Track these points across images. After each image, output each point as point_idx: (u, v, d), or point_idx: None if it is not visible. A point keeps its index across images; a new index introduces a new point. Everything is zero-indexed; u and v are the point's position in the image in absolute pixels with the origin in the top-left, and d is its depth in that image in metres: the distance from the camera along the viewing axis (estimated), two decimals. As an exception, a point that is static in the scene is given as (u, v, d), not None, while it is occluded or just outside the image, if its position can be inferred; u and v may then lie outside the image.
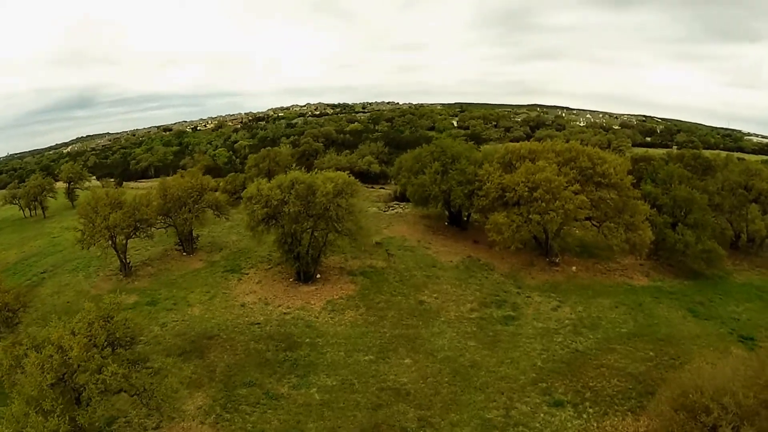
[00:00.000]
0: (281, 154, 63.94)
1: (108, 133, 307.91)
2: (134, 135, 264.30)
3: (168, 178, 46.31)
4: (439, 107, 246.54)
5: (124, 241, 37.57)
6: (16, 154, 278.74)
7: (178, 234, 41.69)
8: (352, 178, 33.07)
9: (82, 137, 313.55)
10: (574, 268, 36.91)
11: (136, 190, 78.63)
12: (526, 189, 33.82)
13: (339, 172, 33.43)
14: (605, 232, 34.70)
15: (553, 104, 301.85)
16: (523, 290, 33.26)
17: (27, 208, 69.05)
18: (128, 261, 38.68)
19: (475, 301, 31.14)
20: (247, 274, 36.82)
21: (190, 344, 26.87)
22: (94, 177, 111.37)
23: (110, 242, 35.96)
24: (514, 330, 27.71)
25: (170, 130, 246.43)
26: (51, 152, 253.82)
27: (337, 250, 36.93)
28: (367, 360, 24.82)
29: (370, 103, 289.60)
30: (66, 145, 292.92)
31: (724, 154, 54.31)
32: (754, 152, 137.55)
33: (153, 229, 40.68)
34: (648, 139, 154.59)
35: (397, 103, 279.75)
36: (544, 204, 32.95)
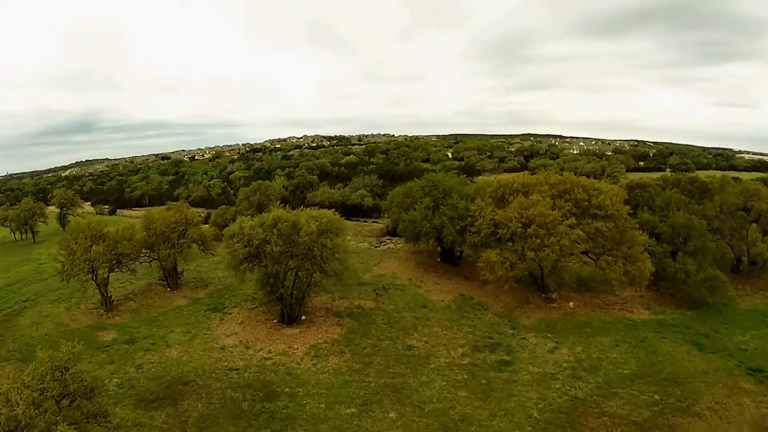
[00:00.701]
0: (272, 187, 63.20)
1: (107, 158, 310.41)
2: (132, 162, 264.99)
3: (153, 209, 45.02)
4: (434, 139, 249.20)
5: (106, 275, 36.31)
6: (15, 174, 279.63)
7: (162, 269, 40.38)
8: (338, 216, 31.97)
9: (81, 161, 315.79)
10: (571, 303, 35.47)
11: (129, 218, 78.13)
12: (520, 225, 32.77)
13: (323, 210, 32.35)
14: (603, 265, 33.46)
15: (546, 133, 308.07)
16: (518, 331, 31.71)
17: (18, 231, 68.06)
18: (110, 295, 37.29)
19: (467, 345, 29.52)
20: (231, 313, 35.27)
21: (164, 390, 25.27)
22: (89, 203, 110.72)
23: (90, 275, 34.73)
24: (509, 377, 26.04)
25: (168, 158, 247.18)
26: (49, 175, 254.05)
27: (326, 290, 35.50)
28: (349, 413, 23.03)
29: (366, 135, 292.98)
30: (65, 168, 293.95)
31: (719, 174, 53.36)
32: (746, 169, 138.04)
33: (137, 262, 39.54)
34: (641, 163, 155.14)
35: (393, 135, 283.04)
36: (538, 240, 31.83)
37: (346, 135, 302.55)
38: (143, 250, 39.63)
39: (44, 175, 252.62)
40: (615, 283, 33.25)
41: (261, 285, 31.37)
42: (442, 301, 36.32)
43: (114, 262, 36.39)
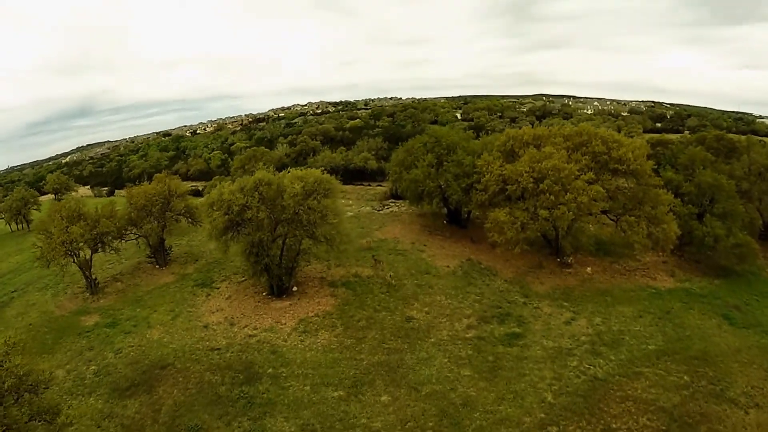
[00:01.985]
0: (268, 153, 59.66)
1: (108, 141, 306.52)
2: (133, 142, 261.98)
3: (135, 186, 42.24)
4: (442, 101, 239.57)
5: (88, 257, 33.98)
6: (16, 166, 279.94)
7: (149, 245, 37.89)
8: (327, 175, 28.56)
9: (81, 146, 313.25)
10: (589, 269, 32.09)
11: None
12: (531, 180, 28.98)
13: (311, 169, 28.89)
14: (624, 227, 29.87)
15: (559, 93, 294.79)
16: (531, 299, 28.48)
17: (13, 222, 66.35)
18: (94, 278, 34.98)
19: (473, 316, 26.41)
20: (218, 288, 32.77)
21: (140, 376, 23.23)
22: (88, 186, 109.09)
23: (71, 258, 32.43)
24: (519, 352, 22.95)
25: (169, 135, 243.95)
26: (50, 163, 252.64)
27: (318, 257, 32.60)
28: (336, 397, 20.31)
29: (372, 100, 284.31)
30: (65, 155, 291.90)
31: (743, 137, 48.57)
32: (767, 135, 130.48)
33: (122, 241, 37.16)
34: (658, 124, 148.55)
35: (400, 99, 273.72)
36: (552, 197, 28.14)
37: (352, 100, 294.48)
38: (129, 228, 37.17)
39: (45, 164, 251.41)
40: (638, 246, 29.75)
41: (245, 256, 28.45)
42: (447, 266, 33.11)
43: (96, 242, 33.96)
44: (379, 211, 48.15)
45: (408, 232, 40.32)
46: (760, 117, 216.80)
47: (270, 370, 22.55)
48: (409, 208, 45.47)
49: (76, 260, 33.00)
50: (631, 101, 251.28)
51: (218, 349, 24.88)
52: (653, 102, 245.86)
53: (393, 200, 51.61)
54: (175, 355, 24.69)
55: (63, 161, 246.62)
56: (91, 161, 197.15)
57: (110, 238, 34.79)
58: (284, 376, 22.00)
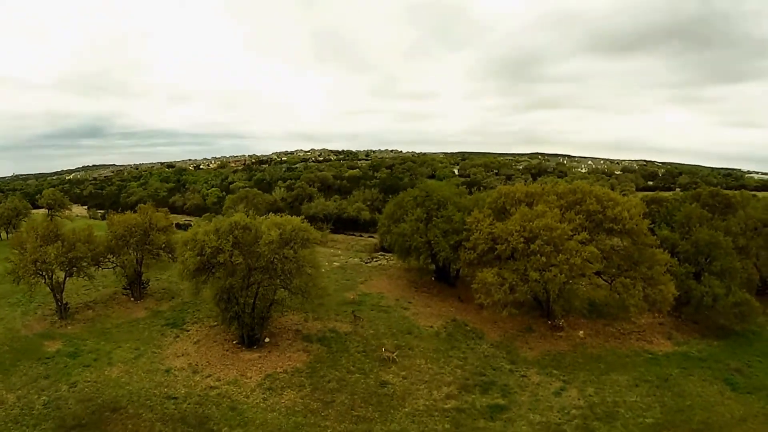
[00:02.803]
0: (261, 195, 59.08)
1: (114, 164, 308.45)
2: (137, 169, 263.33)
3: (117, 214, 41.15)
4: (441, 156, 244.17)
5: (61, 280, 32.86)
6: (21, 175, 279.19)
7: (126, 276, 36.40)
8: (306, 224, 27.52)
9: (87, 166, 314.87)
10: (581, 332, 30.68)
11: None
12: (522, 239, 28.01)
13: (291, 217, 27.91)
14: (619, 289, 28.72)
15: (554, 152, 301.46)
16: (518, 366, 26.74)
17: (3, 230, 64.92)
18: (65, 302, 33.82)
19: (454, 384, 24.56)
20: (188, 330, 31.05)
21: (89, 415, 21.52)
22: (85, 206, 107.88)
23: (42, 278, 31.57)
24: (502, 428, 21.01)
25: (173, 167, 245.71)
26: (54, 178, 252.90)
27: (293, 309, 31.03)
28: (292, 469, 18.26)
29: (373, 151, 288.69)
30: (70, 172, 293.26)
31: (737, 192, 48.56)
32: (757, 189, 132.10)
33: (99, 269, 35.87)
34: (650, 182, 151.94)
35: (400, 152, 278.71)
36: (544, 258, 27.09)
37: (354, 150, 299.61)
38: (108, 255, 35.94)
39: (49, 178, 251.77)
40: (633, 309, 28.48)
41: (215, 301, 26.96)
42: (431, 326, 31.50)
43: (71, 266, 32.68)
44: (367, 263, 46.94)
45: (393, 288, 38.93)
46: (749, 172, 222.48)
47: (225, 429, 20.51)
48: (398, 262, 44.28)
49: (47, 281, 32.06)
50: (624, 160, 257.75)
51: (175, 398, 22.93)
52: (645, 161, 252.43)
53: (382, 253, 50.51)
54: (129, 398, 22.90)
55: (67, 177, 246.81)
56: (93, 182, 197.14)
57: (85, 264, 33.60)
58: (239, 439, 19.96)
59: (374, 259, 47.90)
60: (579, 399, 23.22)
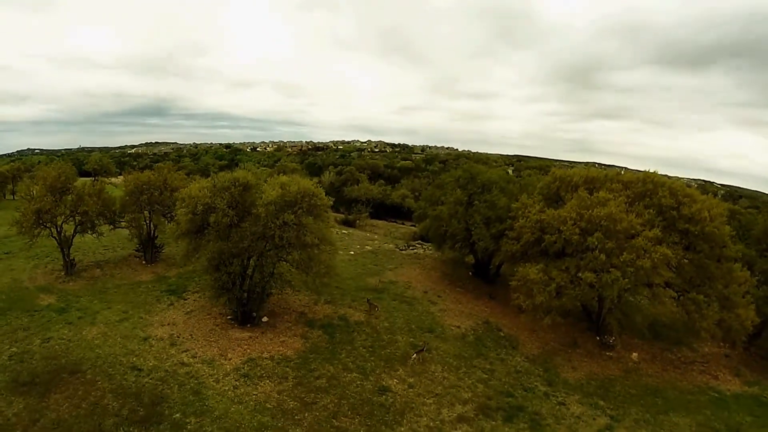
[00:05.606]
0: (297, 171, 56.00)
1: (175, 142, 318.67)
2: (196, 147, 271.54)
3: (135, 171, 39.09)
4: (496, 156, 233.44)
5: (70, 234, 31.07)
6: (87, 147, 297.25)
7: (138, 236, 34.32)
8: (319, 188, 23.33)
9: (149, 142, 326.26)
10: (635, 354, 24.70)
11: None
12: (578, 231, 22.14)
13: (301, 179, 23.82)
14: (690, 308, 22.44)
15: (611, 163, 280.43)
16: (556, 389, 21.09)
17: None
18: (72, 258, 32.03)
19: (472, 402, 19.32)
20: (186, 299, 28.09)
21: (46, 374, 19.10)
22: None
23: (48, 230, 29.64)
24: (524, 472, 15.64)
25: (230, 147, 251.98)
26: (117, 151, 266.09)
27: (300, 288, 27.06)
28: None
29: (429, 147, 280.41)
30: (133, 147, 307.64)
31: None
32: None
33: (114, 228, 34.11)
34: None
35: (456, 149, 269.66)
36: (603, 256, 21.26)
37: (410, 144, 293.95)
38: (122, 214, 34.06)
39: (111, 151, 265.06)
40: (704, 334, 22.43)
41: (206, 269, 23.44)
42: (458, 326, 26.29)
43: (81, 221, 30.86)
44: (401, 250, 42.30)
45: (424, 278, 33.96)
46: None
47: (177, 415, 16.76)
48: (435, 252, 39.24)
49: (55, 236, 30.21)
50: (682, 178, 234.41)
51: (140, 369, 19.71)
52: (704, 180, 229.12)
53: (420, 242, 45.61)
54: (93, 363, 20.12)
55: (128, 152, 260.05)
56: (151, 156, 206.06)
57: (95, 220, 31.66)
58: (188, 429, 16.10)
59: (410, 247, 43.13)
60: (629, 445, 17.44)
